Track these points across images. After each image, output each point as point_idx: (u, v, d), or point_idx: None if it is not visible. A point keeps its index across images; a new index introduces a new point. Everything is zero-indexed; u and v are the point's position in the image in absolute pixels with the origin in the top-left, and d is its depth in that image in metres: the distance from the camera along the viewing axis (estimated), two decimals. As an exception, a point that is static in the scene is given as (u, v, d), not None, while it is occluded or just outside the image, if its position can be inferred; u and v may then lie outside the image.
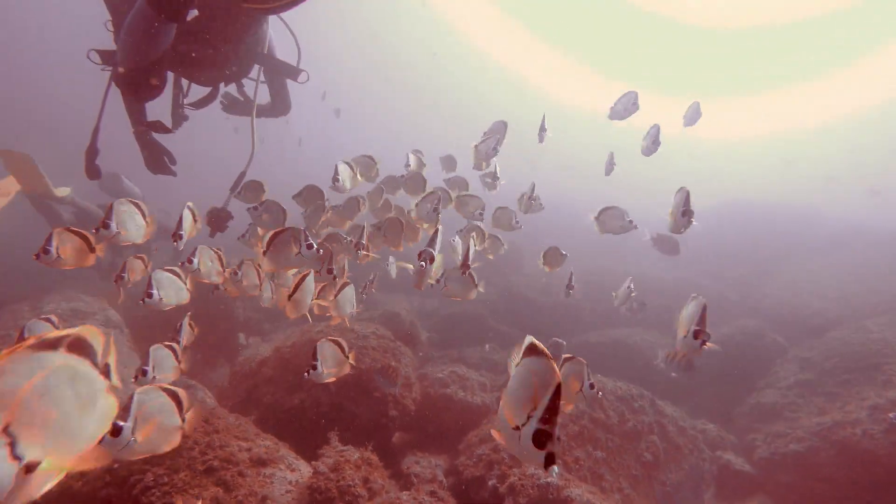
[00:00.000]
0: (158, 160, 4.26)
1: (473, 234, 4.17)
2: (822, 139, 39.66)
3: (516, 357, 1.63)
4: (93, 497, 3.40)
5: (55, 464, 1.16)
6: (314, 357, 3.05)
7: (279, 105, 5.06)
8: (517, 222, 4.49)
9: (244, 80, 4.91)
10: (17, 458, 1.06)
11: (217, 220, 4.57)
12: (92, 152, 4.11)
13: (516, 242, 14.56)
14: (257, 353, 5.43)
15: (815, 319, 9.18)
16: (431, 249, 2.85)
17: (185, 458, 3.44)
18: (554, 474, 1.37)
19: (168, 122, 4.41)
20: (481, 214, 4.39)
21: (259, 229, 4.23)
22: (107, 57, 4.04)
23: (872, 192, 20.05)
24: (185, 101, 4.62)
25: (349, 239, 4.07)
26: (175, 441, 2.55)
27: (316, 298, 3.67)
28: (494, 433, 1.63)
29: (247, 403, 4.85)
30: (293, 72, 4.65)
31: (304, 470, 3.80)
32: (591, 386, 3.14)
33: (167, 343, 3.51)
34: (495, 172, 4.64)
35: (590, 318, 10.95)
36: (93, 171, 4.16)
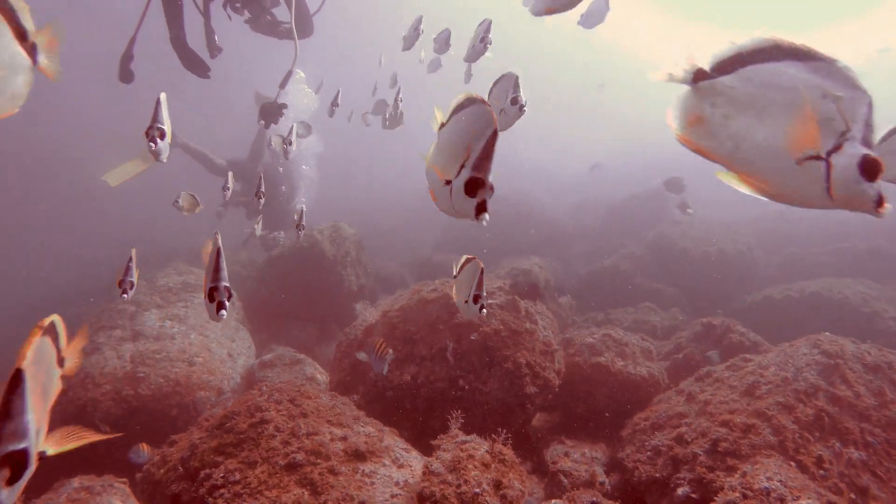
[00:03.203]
0: (193, 64, 5.00)
1: None
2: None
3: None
4: (164, 491, 2.79)
5: None
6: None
7: (301, 27, 5.64)
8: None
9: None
10: None
11: (269, 113, 5.07)
12: (127, 57, 4.63)
13: (655, 188, 12.55)
14: (365, 318, 4.63)
15: None
16: None
17: (264, 449, 2.65)
18: (485, 222, 1.16)
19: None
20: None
21: None
22: None
23: None
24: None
25: None
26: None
27: None
28: (430, 193, 1.46)
29: (350, 379, 4.04)
30: None
31: (416, 465, 2.86)
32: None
33: None
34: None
35: (767, 271, 8.81)
36: (126, 76, 4.71)
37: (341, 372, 4.23)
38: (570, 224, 12.38)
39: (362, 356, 3.33)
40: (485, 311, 1.83)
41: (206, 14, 5.39)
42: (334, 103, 5.37)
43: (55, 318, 1.29)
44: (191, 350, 4.66)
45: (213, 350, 4.83)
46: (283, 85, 5.19)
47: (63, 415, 4.27)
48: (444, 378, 3.63)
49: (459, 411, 3.11)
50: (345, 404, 3.17)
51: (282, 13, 5.99)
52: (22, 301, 9.22)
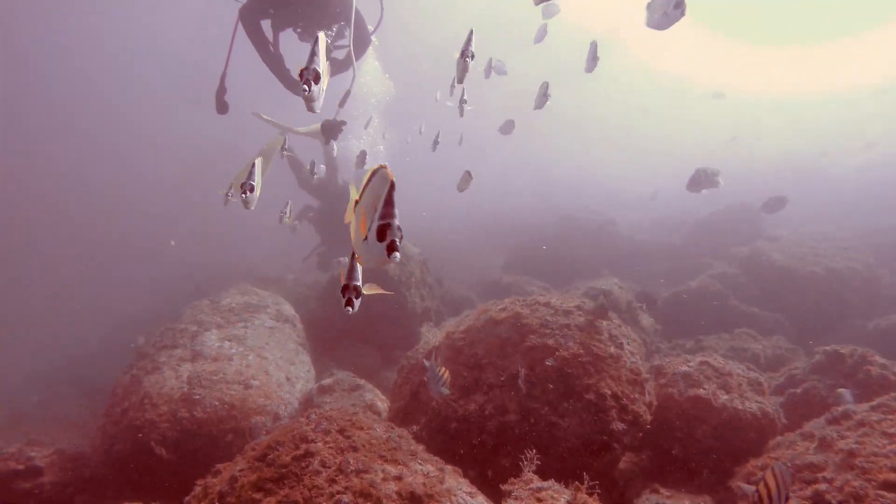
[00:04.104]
0: (293, 85, 5.50)
1: None
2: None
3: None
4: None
5: None
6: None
7: (359, 44, 6.00)
8: None
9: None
10: None
11: (331, 129, 5.30)
12: (221, 91, 5.10)
13: (749, 203, 11.53)
14: (428, 341, 4.26)
15: None
16: None
17: (306, 487, 2.30)
18: (396, 259, 1.18)
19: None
20: None
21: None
22: None
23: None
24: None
25: None
26: None
27: None
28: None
29: (411, 408, 3.66)
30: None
31: (483, 515, 2.41)
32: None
33: None
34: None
35: (888, 293, 7.64)
36: (222, 107, 5.18)
37: (402, 399, 3.86)
38: (649, 242, 11.54)
39: (427, 364, 2.94)
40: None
41: (275, 42, 5.84)
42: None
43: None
44: (248, 372, 4.47)
45: (271, 373, 4.62)
46: (342, 104, 5.48)
47: (121, 435, 4.18)
48: (516, 409, 3.16)
49: (534, 451, 2.63)
50: (401, 437, 2.78)
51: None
52: (104, 322, 9.66)
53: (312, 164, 5.59)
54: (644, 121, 39.67)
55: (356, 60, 5.78)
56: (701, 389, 3.52)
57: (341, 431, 2.64)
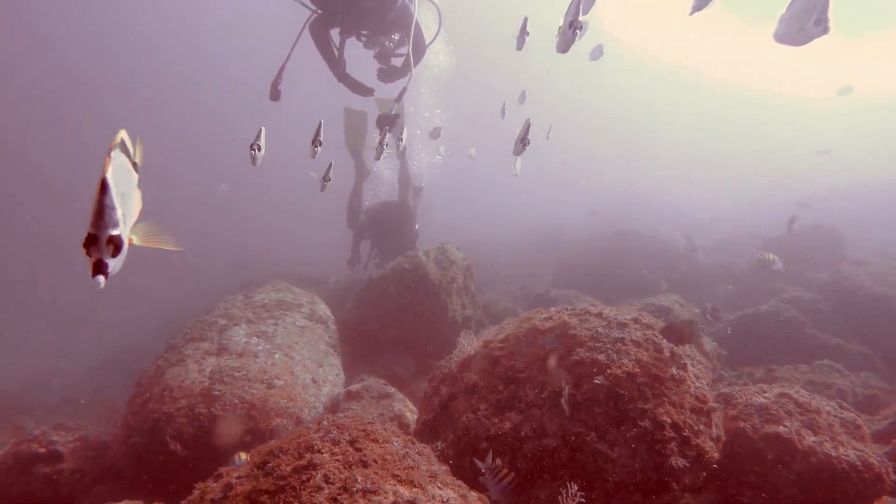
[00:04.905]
0: (358, 88, 6.25)
1: None
2: None
3: None
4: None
5: None
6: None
7: (417, 53, 6.40)
8: None
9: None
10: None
11: (386, 122, 5.50)
12: (277, 81, 5.66)
13: (828, 224, 10.55)
14: (463, 349, 3.88)
15: None
16: None
17: (304, 506, 1.97)
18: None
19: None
20: None
21: None
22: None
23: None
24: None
25: None
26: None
27: None
28: None
29: (439, 422, 3.28)
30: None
31: (510, 559, 2.00)
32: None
33: None
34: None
35: None
36: (275, 95, 5.73)
37: (430, 412, 3.48)
38: (711, 265, 10.71)
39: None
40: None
41: (341, 47, 6.47)
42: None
43: (123, 132, 1.45)
44: (272, 371, 4.23)
45: (297, 373, 4.37)
46: (398, 100, 5.92)
47: (139, 427, 4.01)
48: (557, 433, 2.72)
49: (576, 484, 2.20)
50: (421, 455, 2.41)
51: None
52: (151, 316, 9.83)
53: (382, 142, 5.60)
54: (714, 138, 38.20)
55: (414, 66, 6.18)
56: (781, 427, 2.96)
57: (352, 443, 2.29)
